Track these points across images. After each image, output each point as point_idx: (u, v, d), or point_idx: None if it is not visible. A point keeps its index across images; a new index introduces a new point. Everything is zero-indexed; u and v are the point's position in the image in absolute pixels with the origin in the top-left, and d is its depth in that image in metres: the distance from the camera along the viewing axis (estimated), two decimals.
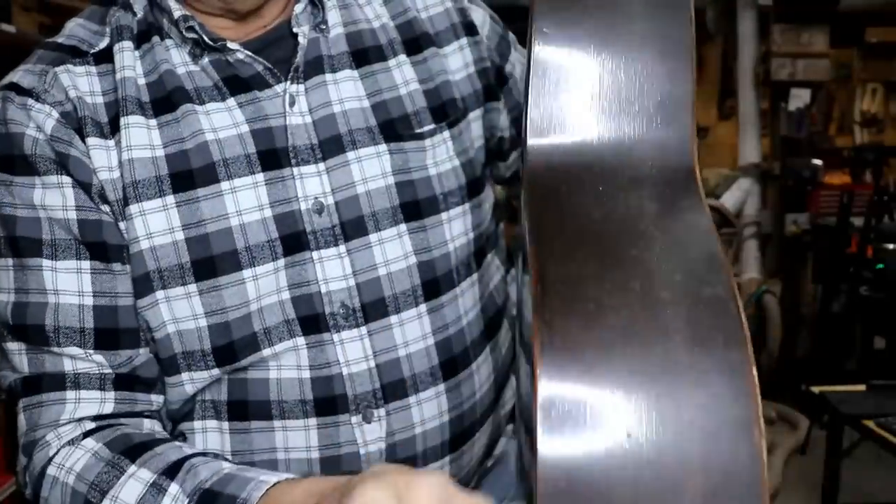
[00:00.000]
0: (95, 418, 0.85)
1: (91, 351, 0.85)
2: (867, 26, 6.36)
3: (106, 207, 0.85)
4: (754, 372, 0.43)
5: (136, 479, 0.79)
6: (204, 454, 0.82)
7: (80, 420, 0.84)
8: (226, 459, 0.83)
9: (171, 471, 0.78)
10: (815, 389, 2.83)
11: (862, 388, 2.80)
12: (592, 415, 0.44)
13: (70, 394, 0.84)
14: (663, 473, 0.43)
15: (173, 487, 0.77)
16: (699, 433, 0.43)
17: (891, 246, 4.06)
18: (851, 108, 6.63)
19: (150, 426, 0.88)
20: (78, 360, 0.85)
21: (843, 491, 2.83)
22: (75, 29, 0.90)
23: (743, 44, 5.04)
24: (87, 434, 0.83)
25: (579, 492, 0.43)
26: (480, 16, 0.99)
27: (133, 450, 0.81)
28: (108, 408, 0.85)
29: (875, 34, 6.41)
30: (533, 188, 0.55)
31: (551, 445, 0.44)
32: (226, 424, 0.88)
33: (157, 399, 0.89)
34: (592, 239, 0.51)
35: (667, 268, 0.49)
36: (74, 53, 0.88)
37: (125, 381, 0.86)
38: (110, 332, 0.86)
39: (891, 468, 3.28)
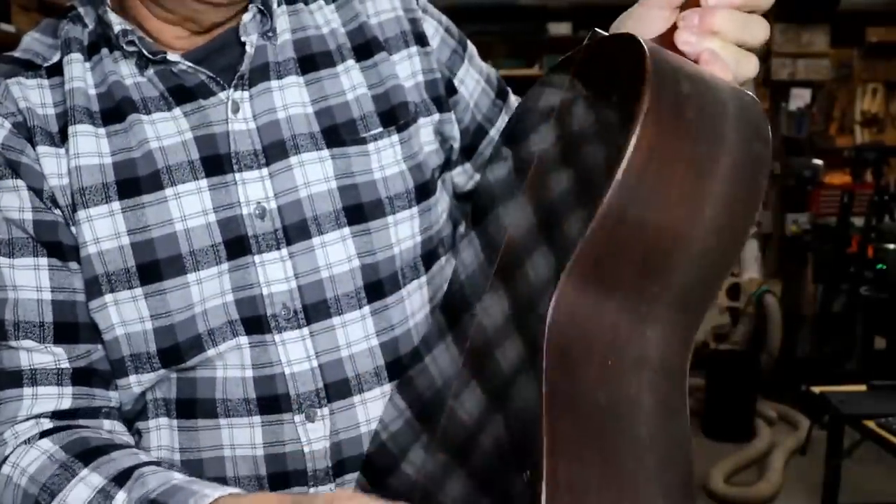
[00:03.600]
0: (53, 414, 0.86)
1: (50, 344, 0.87)
2: (868, 26, 6.37)
3: (58, 212, 0.87)
4: None
5: (86, 483, 0.80)
6: (157, 463, 0.84)
7: (37, 417, 0.86)
8: (179, 471, 0.84)
9: (121, 478, 0.80)
10: (816, 389, 2.83)
11: (862, 388, 2.80)
12: None
13: (27, 390, 0.86)
14: None
15: (120, 495, 0.79)
16: None
17: (891, 246, 4.06)
18: (852, 107, 6.63)
19: (111, 427, 0.89)
20: (34, 352, 0.86)
21: (844, 491, 2.82)
22: (31, 43, 0.93)
23: None
24: (44, 434, 0.85)
25: None
26: (433, 27, 0.98)
27: (88, 453, 0.83)
28: (66, 403, 0.87)
29: (876, 34, 6.42)
30: (552, 341, 0.56)
31: None
32: (175, 422, 0.90)
33: (115, 395, 0.90)
34: (597, 435, 0.55)
35: (653, 491, 0.55)
36: (28, 67, 0.90)
37: (82, 376, 0.88)
38: (69, 325, 0.87)
39: (891, 468, 3.28)
